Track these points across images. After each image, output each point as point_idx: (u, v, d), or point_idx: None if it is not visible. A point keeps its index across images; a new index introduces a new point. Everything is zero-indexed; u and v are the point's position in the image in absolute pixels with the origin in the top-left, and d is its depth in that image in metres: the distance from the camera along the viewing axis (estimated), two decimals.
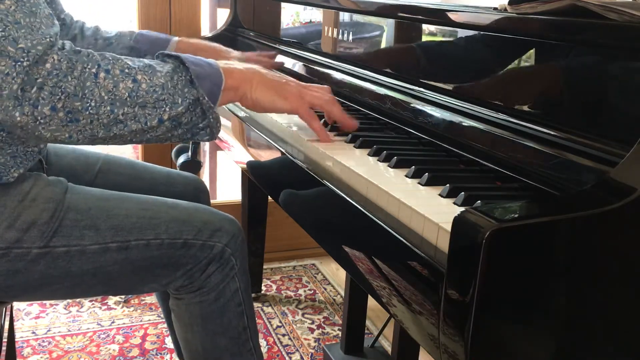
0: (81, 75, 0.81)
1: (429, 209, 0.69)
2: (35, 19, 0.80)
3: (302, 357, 1.76)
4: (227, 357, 1.10)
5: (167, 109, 0.86)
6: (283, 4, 1.57)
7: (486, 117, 0.86)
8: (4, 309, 1.13)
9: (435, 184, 0.78)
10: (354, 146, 0.95)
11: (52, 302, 1.93)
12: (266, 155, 1.11)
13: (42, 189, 0.96)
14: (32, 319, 1.85)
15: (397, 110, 1.03)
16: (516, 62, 0.85)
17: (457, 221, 0.57)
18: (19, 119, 0.79)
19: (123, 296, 1.98)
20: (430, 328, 0.64)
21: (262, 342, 1.79)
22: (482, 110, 0.87)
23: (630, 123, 0.68)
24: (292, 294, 2.10)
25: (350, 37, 1.24)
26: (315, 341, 1.84)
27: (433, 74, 1.01)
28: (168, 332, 1.69)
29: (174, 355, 1.69)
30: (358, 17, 1.22)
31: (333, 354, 1.61)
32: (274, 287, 2.14)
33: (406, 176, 0.82)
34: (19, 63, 0.77)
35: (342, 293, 2.10)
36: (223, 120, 0.97)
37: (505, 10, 0.85)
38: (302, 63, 1.40)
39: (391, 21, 1.11)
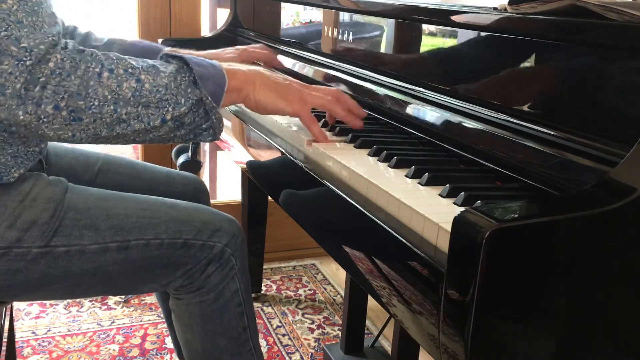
0: (84, 74, 0.81)
1: (429, 209, 0.69)
2: (38, 18, 0.80)
3: (302, 357, 1.76)
4: (227, 357, 1.10)
5: (170, 109, 0.87)
6: (283, 4, 1.56)
7: (486, 117, 0.86)
8: (4, 309, 1.13)
9: (435, 184, 0.78)
10: (354, 146, 0.95)
11: (52, 302, 1.93)
12: (266, 155, 1.11)
13: (43, 189, 0.96)
14: (32, 319, 1.85)
15: (397, 110, 1.03)
16: (516, 62, 0.85)
17: (457, 221, 0.57)
18: (22, 117, 0.79)
19: (123, 296, 1.98)
20: (430, 328, 0.64)
21: (262, 342, 1.79)
22: (482, 110, 0.87)
23: (630, 123, 0.68)
24: (292, 294, 2.10)
25: (350, 37, 1.24)
26: (315, 341, 1.84)
27: (433, 74, 1.01)
28: (168, 332, 1.69)
29: (174, 355, 1.69)
30: (358, 17, 1.22)
31: (333, 354, 1.61)
32: (274, 287, 2.14)
33: (406, 176, 0.82)
34: (22, 62, 0.77)
35: (342, 293, 2.10)
36: (224, 121, 0.97)
37: (505, 10, 0.85)
38: (302, 63, 1.40)
39: (391, 21, 1.11)
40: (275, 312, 1.98)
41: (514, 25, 0.83)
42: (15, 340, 1.58)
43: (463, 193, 0.72)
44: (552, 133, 0.75)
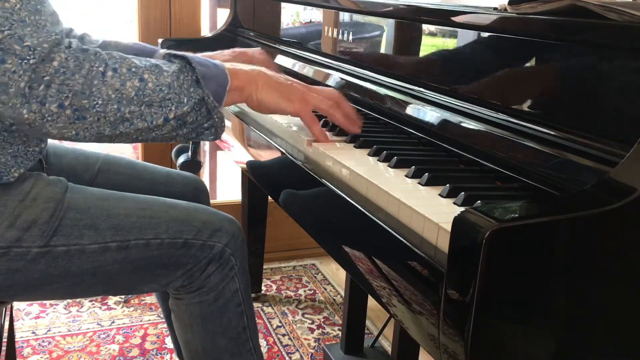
0: (88, 73, 0.81)
1: (429, 209, 0.69)
2: (41, 16, 0.80)
3: (302, 357, 1.76)
4: (227, 357, 1.10)
5: (173, 108, 0.87)
6: (283, 4, 1.56)
7: (486, 117, 0.86)
8: (4, 309, 1.13)
9: (435, 184, 0.78)
10: (354, 146, 0.95)
11: (52, 302, 1.93)
12: (266, 155, 1.11)
13: (43, 189, 0.96)
14: (32, 319, 1.85)
15: (397, 110, 1.03)
16: (516, 62, 0.85)
17: (457, 221, 0.57)
18: (26, 116, 0.79)
19: (123, 296, 1.98)
20: (430, 328, 0.64)
21: (262, 342, 1.79)
22: (482, 110, 0.87)
23: (630, 123, 0.68)
24: (292, 294, 2.10)
25: (350, 37, 1.24)
26: (315, 341, 1.84)
27: (433, 74, 1.01)
28: (168, 332, 1.69)
29: (174, 355, 1.69)
30: (358, 17, 1.22)
31: (333, 354, 1.61)
32: (274, 287, 2.14)
33: (406, 176, 0.82)
34: (25, 61, 0.77)
35: (342, 293, 2.10)
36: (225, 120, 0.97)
37: (505, 10, 0.85)
38: (302, 63, 1.40)
39: (391, 21, 1.11)
40: (275, 312, 1.98)
41: (514, 25, 0.83)
42: (15, 340, 1.58)
43: (463, 193, 0.72)
44: (552, 133, 0.75)
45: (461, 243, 0.56)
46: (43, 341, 1.74)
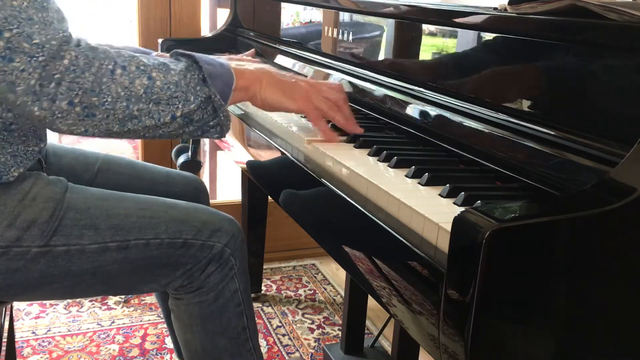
0: (98, 71, 0.82)
1: (429, 209, 0.69)
2: (48, 13, 0.81)
3: (302, 357, 1.75)
4: (227, 357, 1.10)
5: (180, 106, 0.88)
6: (283, 4, 1.56)
7: (486, 117, 0.86)
8: (4, 308, 1.13)
9: (435, 184, 0.77)
10: (354, 146, 0.95)
11: (52, 302, 1.93)
12: (266, 155, 1.11)
13: (42, 188, 0.96)
14: (32, 319, 1.85)
15: (397, 110, 1.03)
16: (516, 62, 0.85)
17: (457, 221, 0.57)
18: (37, 113, 0.81)
19: (123, 296, 1.98)
20: (430, 328, 0.64)
21: (262, 342, 1.79)
22: (482, 110, 0.87)
23: (630, 123, 0.68)
24: (292, 294, 2.10)
25: (350, 37, 1.24)
26: (315, 341, 1.84)
27: (433, 73, 1.01)
28: (168, 332, 1.69)
29: (174, 355, 1.69)
30: (358, 17, 1.22)
31: (333, 354, 1.61)
32: (274, 287, 2.14)
33: (406, 176, 0.82)
34: (35, 58, 0.78)
35: (342, 293, 2.10)
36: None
37: (505, 10, 0.85)
38: (302, 63, 1.40)
39: (391, 21, 1.11)
40: (275, 312, 1.98)
41: (514, 25, 0.83)
42: (15, 340, 1.58)
43: (463, 193, 0.72)
44: (552, 133, 0.75)
45: (461, 243, 0.56)
46: (43, 341, 1.74)
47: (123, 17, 2.62)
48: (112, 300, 1.97)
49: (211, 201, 1.39)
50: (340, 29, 1.27)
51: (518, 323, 0.58)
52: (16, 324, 1.76)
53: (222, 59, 0.98)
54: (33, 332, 1.78)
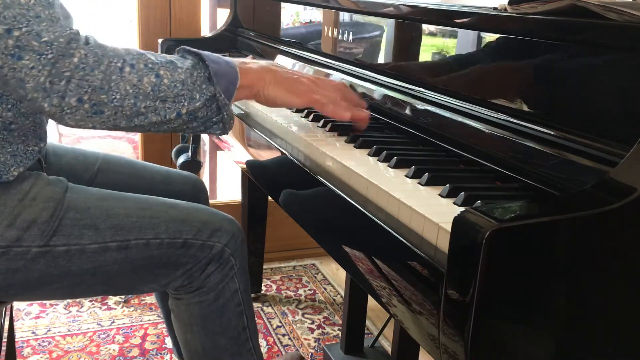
0: (107, 69, 0.84)
1: (429, 209, 0.69)
2: (54, 9, 0.82)
3: (298, 352, 1.75)
4: (227, 357, 1.10)
5: (186, 104, 0.90)
6: (283, 4, 1.56)
7: (486, 117, 0.86)
8: (4, 308, 1.13)
9: (435, 184, 0.77)
10: (354, 146, 0.95)
11: (52, 302, 1.93)
12: (266, 155, 1.11)
13: (42, 188, 0.96)
14: (32, 319, 1.85)
15: (397, 110, 1.03)
16: (516, 62, 0.85)
17: (457, 221, 0.57)
18: (47, 109, 0.82)
19: (123, 296, 1.98)
20: (430, 328, 0.64)
21: (262, 342, 1.79)
22: (482, 110, 0.87)
23: (630, 123, 0.68)
24: (292, 294, 2.10)
25: (350, 37, 1.24)
26: (315, 341, 1.84)
27: (433, 73, 1.01)
28: (168, 332, 1.69)
29: (174, 355, 1.68)
30: (358, 17, 1.22)
31: (333, 354, 1.61)
32: (274, 287, 2.14)
33: (406, 176, 0.82)
34: (44, 56, 0.80)
35: (342, 293, 2.10)
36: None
37: (505, 10, 0.85)
38: (302, 63, 1.40)
39: (391, 21, 1.11)
40: (275, 312, 1.98)
41: (514, 25, 0.83)
42: (15, 340, 1.58)
43: (463, 193, 0.72)
44: (552, 133, 0.75)
45: (461, 243, 0.56)
46: (43, 341, 1.74)
47: (123, 17, 2.62)
48: (112, 300, 1.97)
49: (211, 201, 1.39)
50: (340, 29, 1.27)
51: (518, 323, 0.58)
52: (16, 324, 1.76)
53: (227, 57, 0.99)
54: (33, 332, 1.78)
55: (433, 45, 1.01)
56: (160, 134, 1.86)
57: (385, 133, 1.03)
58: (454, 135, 0.90)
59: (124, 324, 1.85)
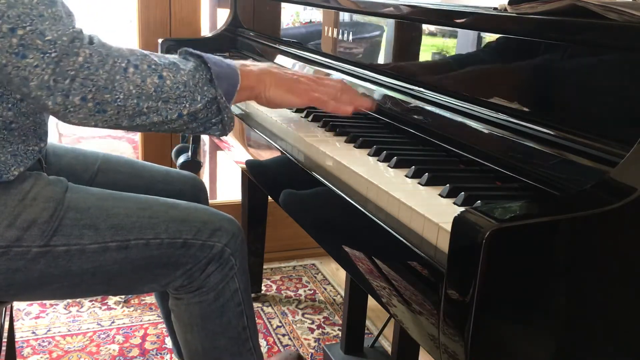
0: (112, 69, 0.84)
1: (429, 209, 0.69)
2: (57, 8, 0.83)
3: (297, 351, 1.75)
4: (227, 357, 1.10)
5: (187, 105, 0.90)
6: (283, 4, 1.56)
7: (486, 117, 0.86)
8: (4, 308, 1.13)
9: (435, 184, 0.77)
10: (354, 146, 0.95)
11: (52, 302, 1.93)
12: (266, 155, 1.11)
13: (43, 188, 0.96)
14: (32, 319, 1.85)
15: (397, 110, 1.03)
16: (516, 62, 0.85)
17: (457, 221, 0.57)
18: (51, 107, 0.83)
19: (123, 296, 1.98)
20: (430, 328, 0.64)
21: (262, 342, 1.79)
22: (482, 110, 0.87)
23: (630, 123, 0.68)
24: (292, 294, 2.10)
25: (350, 37, 1.24)
26: (315, 341, 1.84)
27: (433, 74, 1.01)
28: (167, 332, 1.69)
29: (174, 355, 1.68)
30: (358, 17, 1.22)
31: (333, 354, 1.61)
32: (274, 287, 2.14)
33: (406, 176, 0.82)
34: (47, 55, 0.80)
35: (342, 293, 2.10)
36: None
37: (505, 10, 0.85)
38: (302, 63, 1.40)
39: (391, 21, 1.11)
40: (275, 312, 1.98)
41: (514, 25, 0.83)
42: (15, 340, 1.58)
43: (463, 193, 0.72)
44: (552, 133, 0.75)
45: (461, 243, 0.56)
46: (43, 341, 1.74)
47: (123, 17, 2.62)
48: (112, 300, 1.97)
49: (211, 201, 1.39)
50: (340, 29, 1.27)
51: (518, 323, 0.58)
52: (16, 324, 1.76)
53: (229, 59, 1.00)
54: (33, 332, 1.78)
55: (433, 45, 1.01)
56: (160, 134, 1.87)
57: (385, 133, 1.03)
58: (454, 135, 0.90)
59: (124, 324, 1.85)
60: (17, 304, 1.88)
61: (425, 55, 1.03)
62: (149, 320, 1.88)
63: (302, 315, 1.97)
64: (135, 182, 1.23)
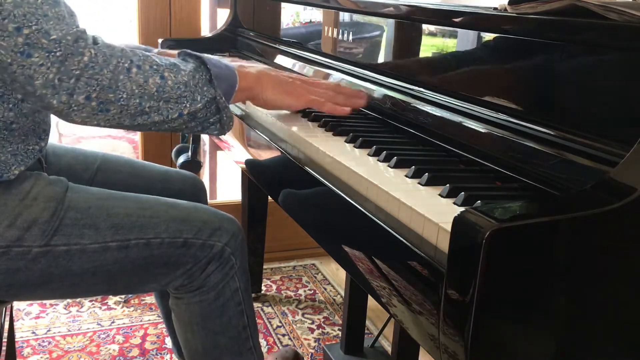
0: (115, 69, 0.86)
1: (429, 209, 0.69)
2: (60, 8, 0.84)
3: (295, 349, 1.75)
4: (227, 356, 1.10)
5: (187, 105, 0.92)
6: (283, 4, 1.56)
7: (486, 117, 0.86)
8: (4, 308, 1.13)
9: (435, 184, 0.77)
10: (354, 146, 0.95)
11: (52, 302, 1.93)
12: (266, 155, 1.11)
13: (43, 188, 0.96)
14: (32, 319, 1.85)
15: (397, 110, 1.03)
16: (516, 62, 0.85)
17: (457, 221, 0.57)
18: (55, 105, 0.84)
19: (123, 296, 1.98)
20: (430, 328, 0.64)
21: (262, 342, 1.79)
22: (482, 110, 0.87)
23: (630, 123, 0.68)
24: (292, 294, 2.10)
25: (350, 37, 1.24)
26: (315, 341, 1.84)
27: (433, 73, 1.01)
28: (167, 332, 1.69)
29: (174, 355, 1.68)
30: (358, 17, 1.22)
31: (333, 354, 1.61)
32: (274, 287, 2.14)
33: (406, 176, 0.82)
34: (52, 53, 0.81)
35: (342, 293, 2.10)
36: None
37: (505, 10, 0.85)
38: (302, 63, 1.40)
39: (391, 21, 1.11)
40: (275, 312, 1.98)
41: (514, 25, 0.83)
42: (15, 340, 1.58)
43: (463, 193, 0.72)
44: (552, 133, 0.75)
45: (461, 243, 0.56)
46: (43, 341, 1.74)
47: (123, 17, 2.62)
48: (112, 300, 1.97)
49: (211, 201, 1.39)
50: (340, 29, 1.27)
51: (518, 323, 0.58)
52: (16, 324, 1.76)
53: (227, 60, 1.01)
54: (33, 332, 1.78)
55: (433, 45, 1.01)
56: (160, 133, 1.86)
57: (385, 133, 1.03)
58: (454, 135, 0.90)
59: (124, 324, 1.85)
60: (17, 304, 1.88)
61: (425, 55, 1.03)
62: (149, 320, 1.88)
63: (302, 315, 1.97)
64: (135, 181, 1.23)
